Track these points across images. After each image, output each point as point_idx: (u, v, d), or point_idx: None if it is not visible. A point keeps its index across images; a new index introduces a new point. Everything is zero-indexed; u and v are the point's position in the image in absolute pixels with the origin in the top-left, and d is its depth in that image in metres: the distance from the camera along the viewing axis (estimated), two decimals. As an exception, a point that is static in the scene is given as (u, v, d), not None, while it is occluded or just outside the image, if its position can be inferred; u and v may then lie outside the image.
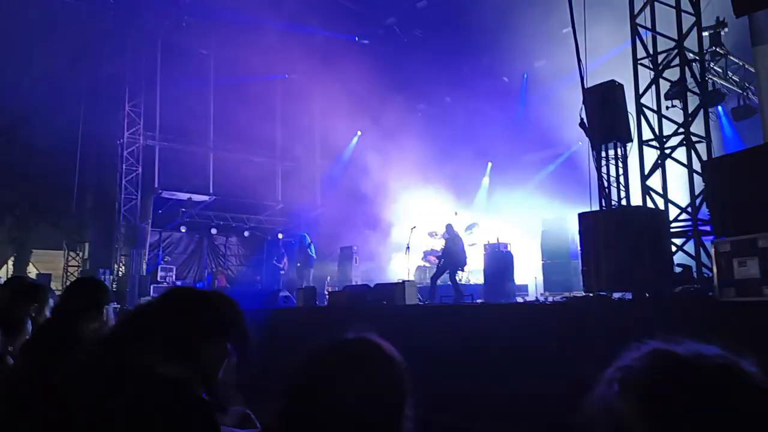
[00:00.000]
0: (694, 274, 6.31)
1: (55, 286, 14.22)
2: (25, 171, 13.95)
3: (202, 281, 16.21)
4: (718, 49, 9.50)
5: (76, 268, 15.66)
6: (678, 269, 6.29)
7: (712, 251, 4.68)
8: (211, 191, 16.10)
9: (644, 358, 0.82)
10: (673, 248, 6.52)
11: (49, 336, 2.23)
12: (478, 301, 11.18)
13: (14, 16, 12.00)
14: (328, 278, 15.27)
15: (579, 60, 6.98)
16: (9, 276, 13.06)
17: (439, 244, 12.74)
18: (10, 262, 15.22)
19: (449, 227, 11.60)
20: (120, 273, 15.26)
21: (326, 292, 12.73)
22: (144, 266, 15.24)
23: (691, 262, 6.54)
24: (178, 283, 15.28)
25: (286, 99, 16.92)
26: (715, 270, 4.69)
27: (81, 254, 15.87)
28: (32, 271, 15.26)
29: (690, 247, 6.68)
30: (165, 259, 15.88)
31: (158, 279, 14.71)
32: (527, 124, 15.21)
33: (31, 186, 14.07)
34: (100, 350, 1.45)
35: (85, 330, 2.24)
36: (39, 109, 13.09)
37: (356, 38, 15.68)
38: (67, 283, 14.94)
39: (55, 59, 12.56)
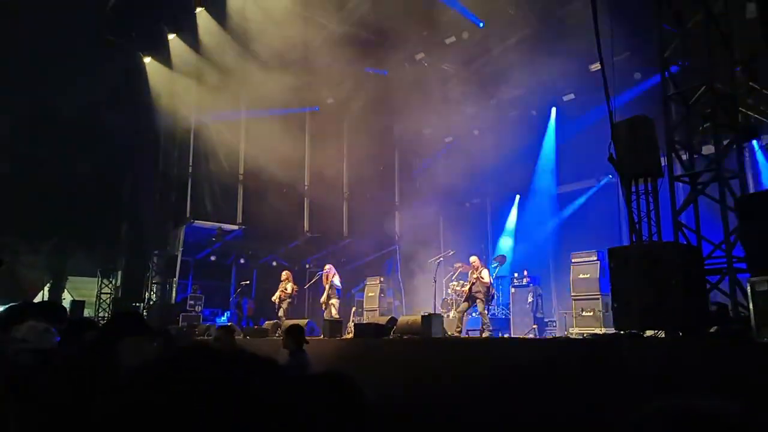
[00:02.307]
0: (730, 313, 6.12)
1: (88, 312, 14.38)
2: (67, 198, 14.26)
3: (230, 309, 16.28)
4: (752, 83, 9.36)
5: (108, 296, 15.90)
6: (713, 308, 6.12)
7: (748, 289, 4.54)
8: (240, 221, 16.28)
9: (666, 411, 0.79)
10: (708, 286, 6.33)
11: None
12: (505, 335, 11.30)
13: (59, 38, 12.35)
14: (354, 309, 15.23)
15: (607, 94, 7.01)
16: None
17: (465, 277, 12.68)
18: (46, 289, 15.49)
19: (477, 260, 11.62)
20: (151, 301, 15.40)
21: (351, 324, 12.72)
22: (174, 294, 15.39)
23: (727, 301, 6.35)
24: (207, 312, 15.34)
25: (315, 130, 17.18)
26: (751, 308, 4.54)
27: (114, 282, 16.15)
28: (67, 298, 15.49)
29: (725, 285, 6.48)
30: (195, 288, 15.88)
31: (187, 308, 14.79)
32: (556, 157, 15.27)
33: (71, 213, 14.33)
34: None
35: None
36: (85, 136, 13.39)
37: (386, 71, 15.85)
38: (99, 310, 15.37)
39: (95, 91, 12.95)
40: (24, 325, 2.61)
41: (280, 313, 12.87)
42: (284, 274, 13.41)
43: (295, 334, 6.27)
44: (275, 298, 13.22)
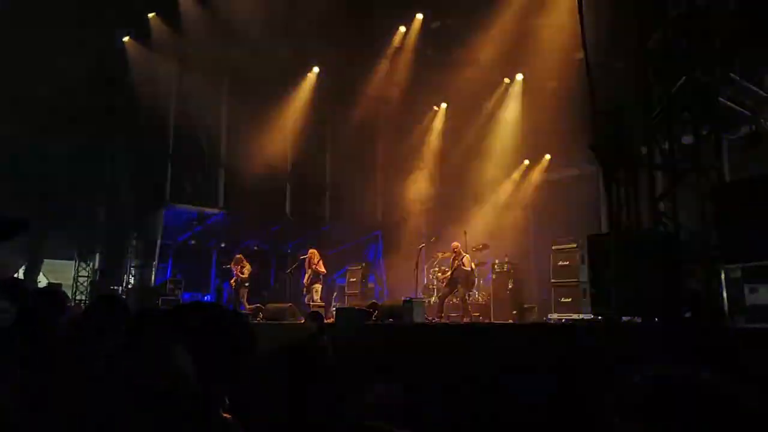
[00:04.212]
0: (704, 300, 6.20)
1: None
2: (43, 180, 14.11)
3: (209, 294, 16.33)
4: (732, 75, 9.46)
5: (86, 279, 15.68)
6: (688, 295, 6.17)
7: (722, 277, 4.62)
8: (221, 205, 16.18)
9: (644, 380, 0.84)
10: (683, 274, 6.39)
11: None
12: (485, 320, 11.56)
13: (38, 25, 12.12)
14: (335, 294, 15.32)
15: (591, 83, 7.05)
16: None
17: (447, 264, 12.81)
18: (21, 271, 15.32)
19: (458, 247, 11.78)
20: (129, 284, 15.30)
21: (333, 309, 12.82)
22: (153, 278, 15.31)
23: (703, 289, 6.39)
24: (187, 295, 15.16)
25: (299, 113, 16.84)
26: (725, 296, 4.62)
27: (91, 265, 15.93)
28: (42, 281, 15.27)
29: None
30: (174, 273, 15.97)
31: (167, 291, 14.66)
32: (536, 141, 15.26)
33: (48, 196, 14.20)
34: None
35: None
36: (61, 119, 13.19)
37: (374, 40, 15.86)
38: (77, 294, 15.15)
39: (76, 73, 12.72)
40: None
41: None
42: (237, 257, 13.49)
43: (320, 319, 6.92)
44: (233, 281, 13.27)
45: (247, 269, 13.29)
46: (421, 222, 16.28)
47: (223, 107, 16.28)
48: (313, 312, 7.36)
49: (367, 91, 16.07)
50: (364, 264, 14.81)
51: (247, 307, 12.74)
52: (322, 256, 13.55)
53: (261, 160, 15.66)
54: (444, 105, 16.91)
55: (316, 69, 16.40)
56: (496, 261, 13.35)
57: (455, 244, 11.93)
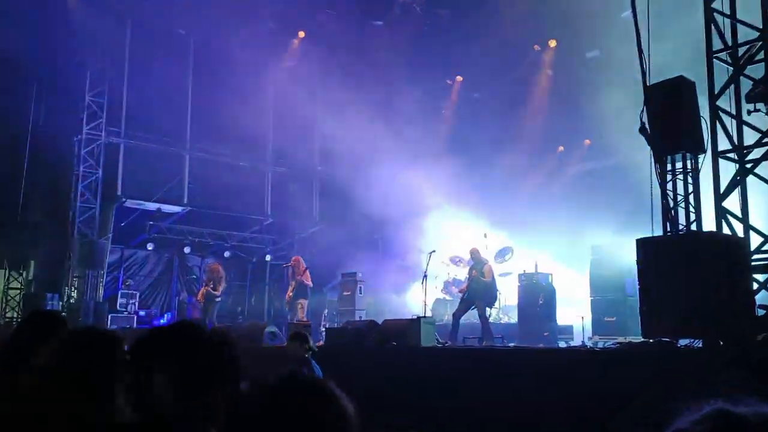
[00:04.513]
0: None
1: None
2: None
3: (171, 311, 16.22)
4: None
5: (18, 291, 15.61)
6: (761, 311, 6.21)
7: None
8: (185, 201, 16.03)
9: (704, 422, 0.82)
10: (755, 285, 6.41)
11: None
12: (511, 344, 11.14)
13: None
14: (326, 312, 15.29)
15: (640, 51, 7.08)
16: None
17: (463, 273, 12.82)
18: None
19: (476, 252, 11.72)
20: (72, 298, 15.15)
21: (323, 329, 12.86)
22: (101, 291, 15.23)
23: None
24: (142, 313, 15.37)
25: (281, 91, 16.84)
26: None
27: (25, 275, 15.84)
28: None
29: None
30: (126, 283, 15.78)
31: (118, 307, 14.73)
32: (574, 128, 15.44)
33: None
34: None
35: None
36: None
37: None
38: (7, 309, 15.13)
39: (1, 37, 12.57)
40: None
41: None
42: (212, 266, 13.43)
43: (305, 340, 6.67)
44: (200, 295, 13.19)
45: (222, 285, 13.28)
46: (430, 220, 16.27)
47: (189, 80, 16.22)
48: (296, 333, 6.98)
49: (365, 61, 16.20)
50: (360, 273, 14.67)
51: (215, 326, 12.11)
52: (310, 264, 13.52)
53: (235, 145, 15.72)
54: (459, 78, 16.85)
55: (301, 34, 16.37)
56: (524, 269, 13.28)
57: (473, 248, 11.88)
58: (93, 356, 1.98)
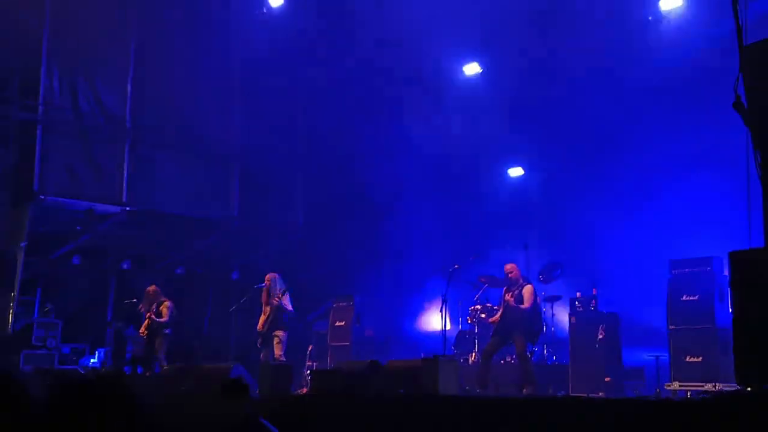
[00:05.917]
0: None
1: None
2: None
3: (106, 347, 15.30)
4: None
5: None
6: None
7: None
8: (124, 199, 14.91)
9: None
10: None
11: None
12: (560, 393, 11.58)
13: None
14: (310, 348, 14.85)
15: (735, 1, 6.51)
16: None
17: (496, 298, 12.58)
18: None
19: (514, 268, 11.51)
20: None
21: (307, 372, 13.02)
22: (10, 317, 14.01)
23: None
24: (66, 350, 14.43)
25: (249, 61, 16.17)
26: None
27: None
28: None
29: None
30: (45, 309, 14.54)
31: (33, 341, 13.61)
32: (642, 105, 14.34)
33: None
34: None
35: None
36: None
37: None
38: None
39: None
40: None
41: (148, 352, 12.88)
42: (150, 289, 13.08)
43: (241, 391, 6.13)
44: (143, 329, 12.82)
45: (166, 308, 12.76)
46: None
47: (131, 41, 15.25)
48: (230, 382, 6.03)
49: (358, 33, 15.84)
50: (357, 295, 14.61)
51: (164, 367, 12.25)
52: (290, 284, 12.95)
53: (191, 131, 15.18)
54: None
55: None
56: (578, 294, 12.79)
57: (510, 265, 11.42)
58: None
